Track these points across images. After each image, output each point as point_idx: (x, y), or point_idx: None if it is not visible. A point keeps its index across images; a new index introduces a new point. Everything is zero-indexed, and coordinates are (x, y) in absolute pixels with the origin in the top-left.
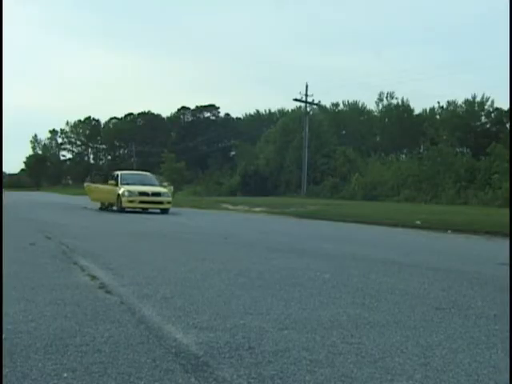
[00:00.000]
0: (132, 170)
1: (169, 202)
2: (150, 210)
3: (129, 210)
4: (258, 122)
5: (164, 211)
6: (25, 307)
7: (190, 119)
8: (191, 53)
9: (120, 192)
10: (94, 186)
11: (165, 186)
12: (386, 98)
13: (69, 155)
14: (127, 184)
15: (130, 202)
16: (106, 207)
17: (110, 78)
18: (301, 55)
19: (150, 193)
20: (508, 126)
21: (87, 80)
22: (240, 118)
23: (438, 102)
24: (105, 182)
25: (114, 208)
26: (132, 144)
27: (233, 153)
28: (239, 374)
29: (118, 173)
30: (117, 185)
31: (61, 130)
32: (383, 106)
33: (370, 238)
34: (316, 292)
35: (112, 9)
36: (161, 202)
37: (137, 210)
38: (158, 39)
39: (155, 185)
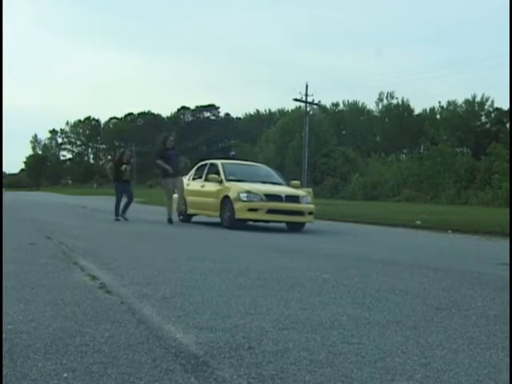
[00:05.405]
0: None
1: (310, 213)
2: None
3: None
4: (258, 121)
5: (299, 227)
6: (25, 307)
7: (190, 119)
8: (191, 53)
9: (231, 194)
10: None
11: (297, 187)
12: (386, 97)
13: (69, 155)
14: (238, 181)
15: (251, 210)
16: (183, 217)
17: (110, 77)
18: (301, 55)
19: (283, 196)
20: (508, 125)
21: (87, 80)
22: (240, 118)
23: (439, 102)
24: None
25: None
26: (132, 144)
27: (233, 153)
28: (239, 374)
29: (217, 162)
30: (220, 182)
31: (61, 129)
32: (383, 106)
33: (370, 237)
34: (316, 292)
35: (112, 9)
36: (300, 213)
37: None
38: (158, 39)
39: (281, 183)
